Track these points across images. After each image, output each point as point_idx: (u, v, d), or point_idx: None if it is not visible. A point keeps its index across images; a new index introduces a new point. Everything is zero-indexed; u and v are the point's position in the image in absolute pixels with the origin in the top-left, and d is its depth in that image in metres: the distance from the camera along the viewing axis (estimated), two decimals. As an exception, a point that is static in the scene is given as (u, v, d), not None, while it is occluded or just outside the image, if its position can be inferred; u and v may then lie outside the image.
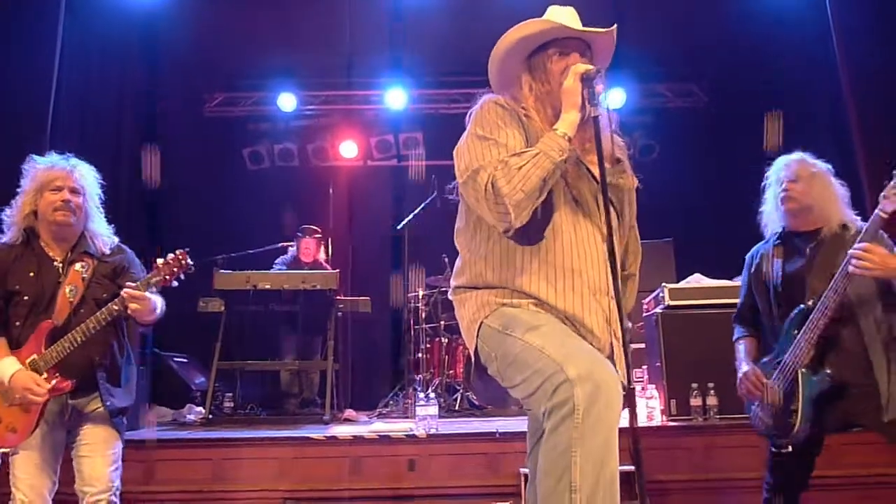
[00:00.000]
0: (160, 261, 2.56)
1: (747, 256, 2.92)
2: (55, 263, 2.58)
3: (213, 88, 7.90)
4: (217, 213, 7.17)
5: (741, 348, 2.85)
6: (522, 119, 1.98)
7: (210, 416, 4.87)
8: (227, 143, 7.89)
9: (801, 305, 2.56)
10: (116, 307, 2.48)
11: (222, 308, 5.18)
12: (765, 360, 2.70)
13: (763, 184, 2.86)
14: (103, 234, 2.69)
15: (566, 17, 2.05)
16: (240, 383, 5.60)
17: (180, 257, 2.59)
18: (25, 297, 2.51)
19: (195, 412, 5.28)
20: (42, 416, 2.46)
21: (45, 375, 2.45)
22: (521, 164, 1.80)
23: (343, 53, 7.00)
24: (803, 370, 2.51)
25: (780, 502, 2.66)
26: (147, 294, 2.51)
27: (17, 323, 2.52)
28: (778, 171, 2.78)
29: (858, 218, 2.71)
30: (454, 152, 2.00)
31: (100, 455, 2.52)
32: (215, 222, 7.02)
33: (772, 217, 2.81)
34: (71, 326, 2.49)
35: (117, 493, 2.56)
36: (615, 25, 2.05)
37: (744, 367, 2.74)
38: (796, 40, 6.00)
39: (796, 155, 2.79)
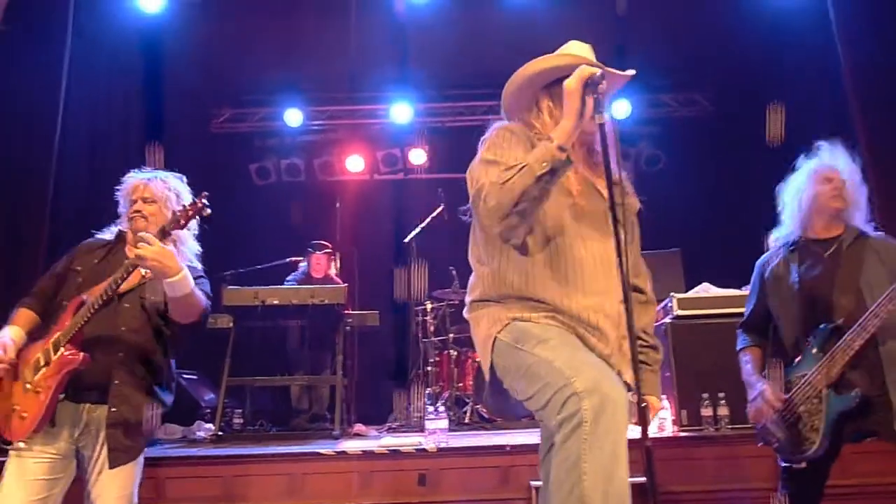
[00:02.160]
0: (178, 208, 2.55)
1: (758, 263, 2.85)
2: (125, 261, 2.45)
3: (220, 105, 7.97)
4: (224, 229, 7.13)
5: (748, 359, 2.79)
6: (534, 143, 2.01)
7: (220, 433, 4.87)
8: (234, 158, 7.94)
9: (827, 324, 2.50)
10: (130, 265, 2.34)
11: (231, 324, 5.19)
12: (791, 366, 2.63)
13: (788, 178, 2.75)
14: (186, 247, 2.70)
15: (584, 53, 2.11)
16: (249, 399, 5.61)
17: (195, 201, 2.51)
18: (80, 279, 2.52)
19: (205, 429, 5.28)
20: (54, 399, 2.31)
21: (62, 350, 2.33)
22: (507, 178, 1.86)
23: (348, 68, 7.04)
24: (828, 389, 2.46)
25: None
26: (166, 247, 2.34)
27: (65, 302, 2.48)
28: (820, 169, 2.66)
29: (871, 224, 2.67)
30: (466, 175, 2.05)
31: (111, 494, 2.37)
32: (222, 238, 6.98)
33: (792, 216, 2.70)
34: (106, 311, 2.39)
35: None
36: (632, 71, 2.07)
37: (759, 384, 2.66)
38: (799, 47, 6.01)
39: (837, 148, 2.68)
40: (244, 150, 8.03)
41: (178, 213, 2.45)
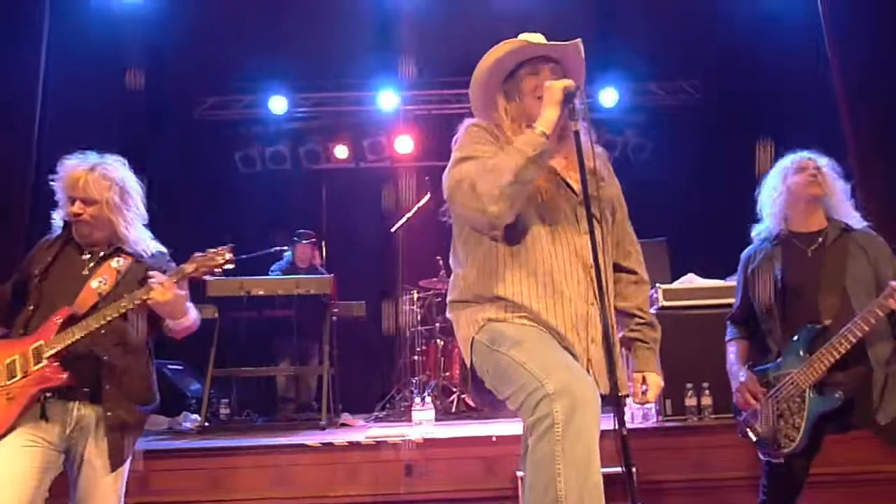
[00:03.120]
0: (198, 254, 2.43)
1: (742, 256, 2.86)
2: (83, 256, 2.46)
3: (204, 92, 7.87)
4: (208, 218, 7.14)
5: (733, 350, 2.83)
6: (500, 137, 2.07)
7: (206, 424, 4.86)
8: (218, 146, 7.86)
9: (813, 325, 2.51)
10: (138, 299, 2.29)
11: (216, 315, 5.15)
12: (763, 367, 2.67)
13: (762, 180, 2.78)
14: (139, 240, 2.54)
15: (533, 39, 2.13)
16: (235, 390, 5.59)
17: (220, 251, 2.44)
18: (36, 280, 2.41)
19: (191, 420, 5.26)
20: (26, 410, 2.25)
21: (44, 363, 2.27)
22: (494, 163, 1.90)
23: (334, 55, 6.98)
24: (811, 390, 2.49)
25: None
26: (180, 292, 2.34)
27: (31, 307, 2.39)
28: (794, 161, 2.69)
29: (857, 214, 2.67)
30: (443, 176, 2.07)
31: (98, 490, 2.34)
32: (207, 227, 6.98)
33: (772, 214, 2.72)
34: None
35: None
36: (579, 39, 2.11)
37: (741, 375, 2.70)
38: (788, 37, 6.01)
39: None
40: (228, 137, 7.95)
41: (199, 261, 2.42)
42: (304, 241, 6.10)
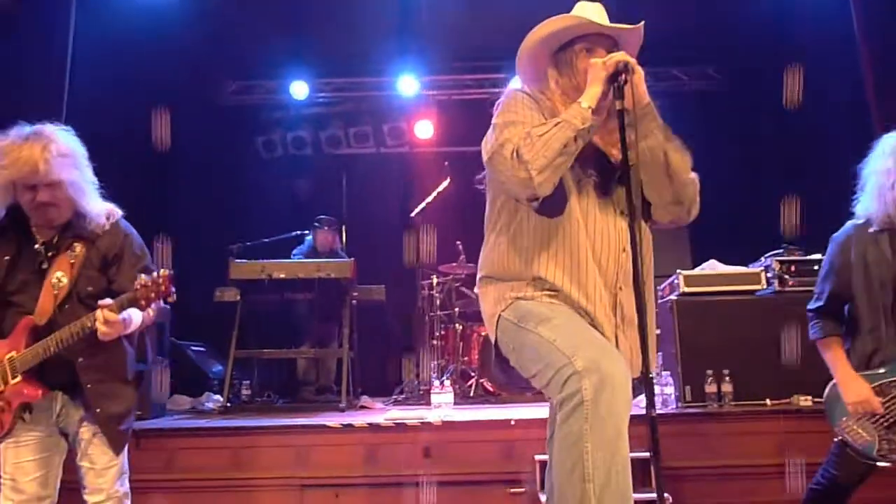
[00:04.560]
0: (142, 278, 2.18)
1: (838, 241, 2.66)
2: (36, 246, 2.29)
3: (227, 77, 7.92)
4: (231, 202, 7.21)
5: (836, 352, 2.61)
6: (544, 107, 2.02)
7: (228, 404, 4.94)
8: (240, 131, 7.91)
9: None
10: (89, 324, 2.17)
11: (238, 297, 5.23)
12: (878, 371, 2.54)
13: (871, 158, 2.58)
14: (95, 213, 2.31)
15: (594, 14, 2.06)
16: (257, 371, 5.67)
17: (160, 281, 2.17)
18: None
19: (213, 400, 5.35)
20: (17, 415, 2.23)
21: (18, 378, 2.22)
22: (543, 132, 1.86)
23: (355, 41, 6.97)
24: None
25: (840, 498, 2.61)
26: (120, 320, 2.18)
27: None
28: None
29: None
30: (482, 142, 2.03)
31: (99, 465, 2.31)
32: (229, 211, 7.07)
33: (879, 197, 2.51)
34: (56, 324, 2.22)
35: (126, 499, 2.36)
36: (643, 22, 2.05)
37: (860, 388, 2.51)
38: (813, 20, 5.90)
39: None
40: (251, 122, 7.99)
41: (140, 292, 2.16)
42: (326, 227, 6.14)
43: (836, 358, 2.60)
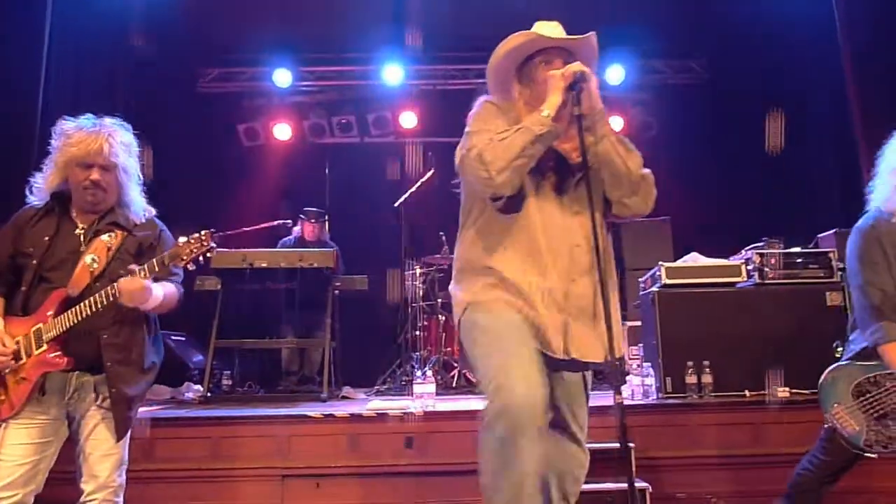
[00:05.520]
0: (182, 239, 2.38)
1: (868, 235, 2.62)
2: (76, 231, 2.44)
3: (208, 63, 7.81)
4: (212, 191, 7.13)
5: None
6: (511, 116, 2.24)
7: (208, 395, 4.90)
8: (221, 118, 7.83)
9: None
10: (109, 295, 2.31)
11: (219, 286, 5.18)
12: (872, 362, 2.56)
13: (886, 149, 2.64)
14: (137, 204, 2.52)
15: (549, 30, 2.28)
16: (238, 361, 5.62)
17: (203, 238, 2.37)
18: (34, 261, 2.38)
19: (193, 390, 5.31)
20: (35, 388, 2.31)
21: (44, 347, 2.32)
22: (504, 136, 2.09)
23: (339, 29, 6.91)
24: None
25: (828, 485, 2.65)
26: (146, 283, 2.33)
27: (24, 287, 2.39)
28: None
29: None
30: (456, 149, 2.23)
31: (100, 451, 2.37)
32: (210, 199, 6.99)
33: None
34: (87, 298, 2.33)
35: (120, 491, 2.41)
36: (592, 33, 2.26)
37: None
38: (797, 16, 5.93)
39: None
40: (232, 110, 7.91)
41: (183, 250, 2.36)
42: (313, 220, 6.10)
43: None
